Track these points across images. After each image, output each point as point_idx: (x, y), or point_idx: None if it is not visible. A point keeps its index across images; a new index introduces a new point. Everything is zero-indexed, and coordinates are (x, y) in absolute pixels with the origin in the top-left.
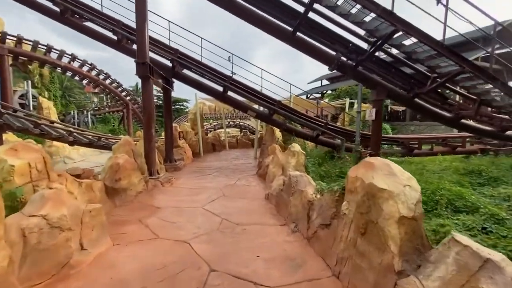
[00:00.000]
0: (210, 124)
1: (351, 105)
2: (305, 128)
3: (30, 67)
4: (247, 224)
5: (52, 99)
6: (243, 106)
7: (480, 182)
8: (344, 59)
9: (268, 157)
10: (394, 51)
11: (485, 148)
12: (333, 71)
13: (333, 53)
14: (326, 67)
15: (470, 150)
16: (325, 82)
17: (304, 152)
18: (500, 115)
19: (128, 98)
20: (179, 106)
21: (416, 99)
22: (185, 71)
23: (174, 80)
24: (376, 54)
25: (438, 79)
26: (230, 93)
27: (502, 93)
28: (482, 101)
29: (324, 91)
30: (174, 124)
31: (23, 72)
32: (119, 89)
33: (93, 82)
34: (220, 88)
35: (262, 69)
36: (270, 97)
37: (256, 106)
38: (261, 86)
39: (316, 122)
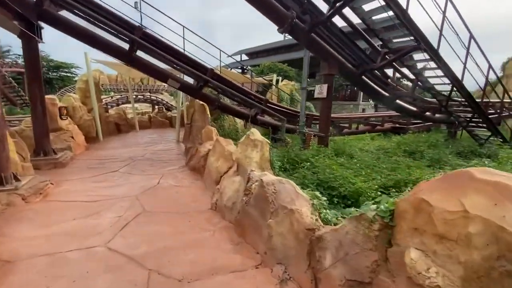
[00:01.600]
0: (111, 98)
1: (277, 82)
2: (241, 106)
3: None
4: (199, 275)
5: None
6: (161, 73)
7: (428, 165)
8: (298, 21)
9: (203, 143)
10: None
11: (395, 126)
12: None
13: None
14: (241, 45)
15: (386, 128)
16: (244, 57)
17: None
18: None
19: None
20: (65, 74)
21: (363, 76)
22: (64, 14)
23: (43, 25)
24: (333, 20)
25: (388, 56)
26: (140, 53)
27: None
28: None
29: (245, 66)
30: (51, 96)
31: None
32: None
33: None
34: (126, 46)
35: (184, 27)
36: (199, 63)
37: (179, 75)
38: (183, 49)
39: (257, 99)
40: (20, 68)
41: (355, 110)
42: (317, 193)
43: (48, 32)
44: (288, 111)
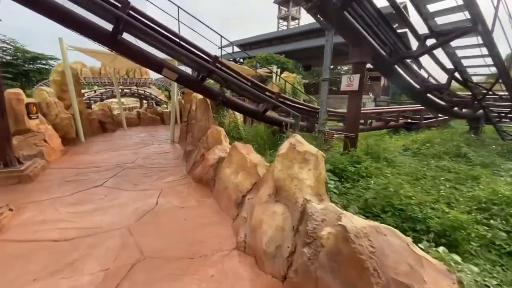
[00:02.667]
0: (95, 92)
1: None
2: (247, 100)
3: None
4: None
5: None
6: (154, 61)
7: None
8: None
9: (211, 149)
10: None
11: (408, 122)
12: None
13: None
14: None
15: (398, 124)
16: (235, 49)
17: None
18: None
19: None
20: (43, 66)
21: (397, 66)
22: None
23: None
24: None
25: (429, 39)
26: (128, 36)
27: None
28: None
29: (237, 58)
30: (14, 90)
31: None
32: None
33: None
34: (109, 26)
35: (178, 7)
36: (201, 49)
37: (175, 64)
38: (178, 31)
39: (268, 92)
40: None
41: None
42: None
43: (25, 22)
44: (303, 106)
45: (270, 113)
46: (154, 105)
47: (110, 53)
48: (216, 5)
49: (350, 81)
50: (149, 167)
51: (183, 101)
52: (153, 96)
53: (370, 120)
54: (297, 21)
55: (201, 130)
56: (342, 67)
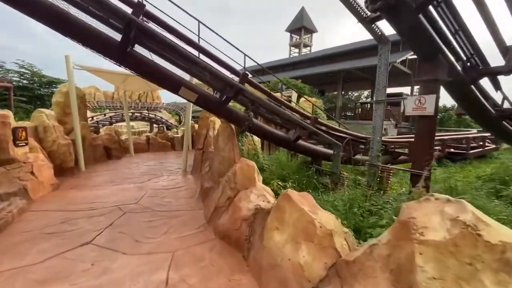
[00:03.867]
0: (104, 115)
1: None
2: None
3: None
4: None
5: None
6: (170, 78)
7: None
8: None
9: (243, 192)
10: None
11: (451, 151)
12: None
13: None
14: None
15: (442, 155)
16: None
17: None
18: None
19: None
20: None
21: (473, 85)
22: None
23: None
24: None
25: None
26: (140, 49)
27: None
28: None
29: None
30: (1, 112)
31: None
32: None
33: None
34: (115, 35)
35: (199, 21)
36: (227, 64)
37: (194, 81)
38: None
39: (303, 117)
40: (7, 83)
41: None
42: None
43: (45, 48)
44: (344, 134)
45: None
46: (165, 129)
47: (120, 73)
48: (229, 35)
49: (420, 104)
50: (156, 210)
51: (196, 126)
52: (163, 120)
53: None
54: (308, 48)
55: (223, 162)
56: (353, 93)
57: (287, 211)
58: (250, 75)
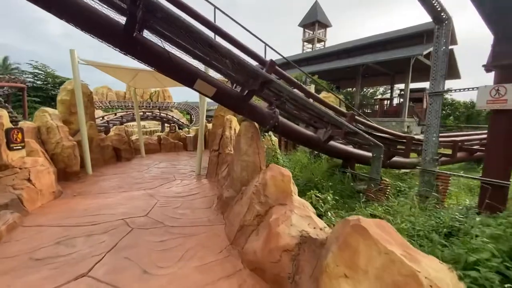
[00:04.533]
0: (115, 115)
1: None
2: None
3: None
4: None
5: None
6: (185, 69)
7: None
8: None
9: (277, 207)
10: None
11: None
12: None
13: None
14: None
15: (481, 155)
16: None
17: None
18: None
19: None
20: None
21: None
22: None
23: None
24: None
25: None
26: (148, 34)
27: None
28: None
29: None
30: None
31: None
32: None
33: None
34: (120, 19)
35: (215, 7)
36: (250, 50)
37: (212, 73)
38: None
39: (338, 113)
40: (20, 84)
41: (399, 128)
42: None
43: (60, 51)
44: (388, 135)
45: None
46: (177, 129)
47: (129, 69)
48: (235, 31)
49: (499, 95)
50: (169, 225)
51: (209, 125)
52: (175, 119)
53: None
54: (322, 43)
55: (247, 168)
56: (368, 89)
57: (363, 253)
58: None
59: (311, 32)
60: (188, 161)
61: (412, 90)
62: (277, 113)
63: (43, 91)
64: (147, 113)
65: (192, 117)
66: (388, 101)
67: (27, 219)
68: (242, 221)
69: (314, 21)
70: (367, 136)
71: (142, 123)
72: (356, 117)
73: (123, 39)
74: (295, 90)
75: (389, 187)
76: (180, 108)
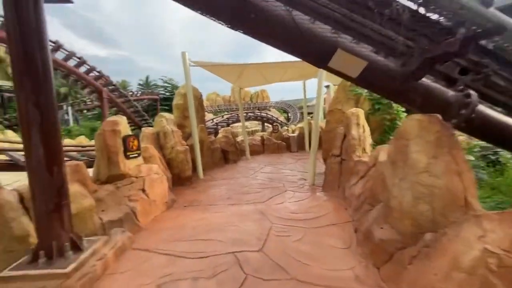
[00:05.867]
0: (222, 117)
1: None
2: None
3: (2, 55)
4: None
5: None
6: (318, 40)
7: None
8: None
9: None
10: None
11: None
12: None
13: None
14: None
15: None
16: None
17: None
18: None
19: (100, 82)
20: None
21: None
22: None
23: None
24: None
25: None
26: None
27: None
28: None
29: None
30: (109, 120)
31: None
32: (93, 74)
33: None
34: None
35: None
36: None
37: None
38: None
39: None
40: (155, 96)
41: None
42: None
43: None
44: None
45: None
46: (280, 128)
47: (236, 65)
48: None
49: None
50: (295, 277)
51: (321, 124)
52: (274, 118)
53: None
54: None
55: (432, 199)
56: None
57: None
58: None
59: None
60: (294, 165)
61: None
62: (473, 97)
63: (170, 100)
64: (249, 114)
65: (289, 115)
66: None
67: (138, 237)
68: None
69: None
70: None
71: (245, 123)
72: None
73: (236, 9)
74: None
75: None
76: (277, 106)
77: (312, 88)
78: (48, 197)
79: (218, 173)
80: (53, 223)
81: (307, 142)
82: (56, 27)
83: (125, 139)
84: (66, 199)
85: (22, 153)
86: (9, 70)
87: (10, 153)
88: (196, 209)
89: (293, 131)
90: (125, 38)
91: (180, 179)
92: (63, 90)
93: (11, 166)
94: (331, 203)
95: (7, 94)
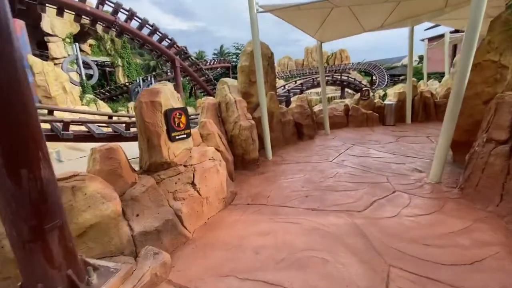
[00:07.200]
0: (295, 82)
1: None
2: None
3: (100, 32)
4: None
5: (125, 66)
6: None
7: None
8: None
9: None
10: None
11: None
12: None
13: None
14: None
15: None
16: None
17: None
18: None
19: (174, 52)
20: None
21: None
22: None
23: None
24: None
25: None
26: None
27: None
28: None
29: None
30: (148, 90)
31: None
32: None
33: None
34: None
35: None
36: None
37: None
38: None
39: None
40: (227, 64)
41: None
42: None
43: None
44: None
45: None
46: (370, 94)
47: (320, 4)
48: None
49: None
50: None
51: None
52: (356, 82)
53: None
54: None
55: None
56: None
57: None
58: None
59: None
60: (396, 145)
61: None
62: None
63: None
64: (326, 78)
65: (374, 78)
66: None
67: (179, 257)
68: None
69: None
70: None
71: (319, 89)
72: None
73: None
74: None
75: None
76: (359, 68)
77: (397, 44)
78: (18, 219)
79: (290, 153)
80: (33, 258)
81: (408, 112)
82: (145, 5)
83: (168, 114)
84: (54, 219)
85: (100, 124)
86: (108, 46)
87: (89, 125)
88: (262, 212)
89: (382, 98)
90: (202, 10)
91: (244, 162)
92: (152, 63)
93: (88, 137)
94: (493, 228)
95: (108, 69)
